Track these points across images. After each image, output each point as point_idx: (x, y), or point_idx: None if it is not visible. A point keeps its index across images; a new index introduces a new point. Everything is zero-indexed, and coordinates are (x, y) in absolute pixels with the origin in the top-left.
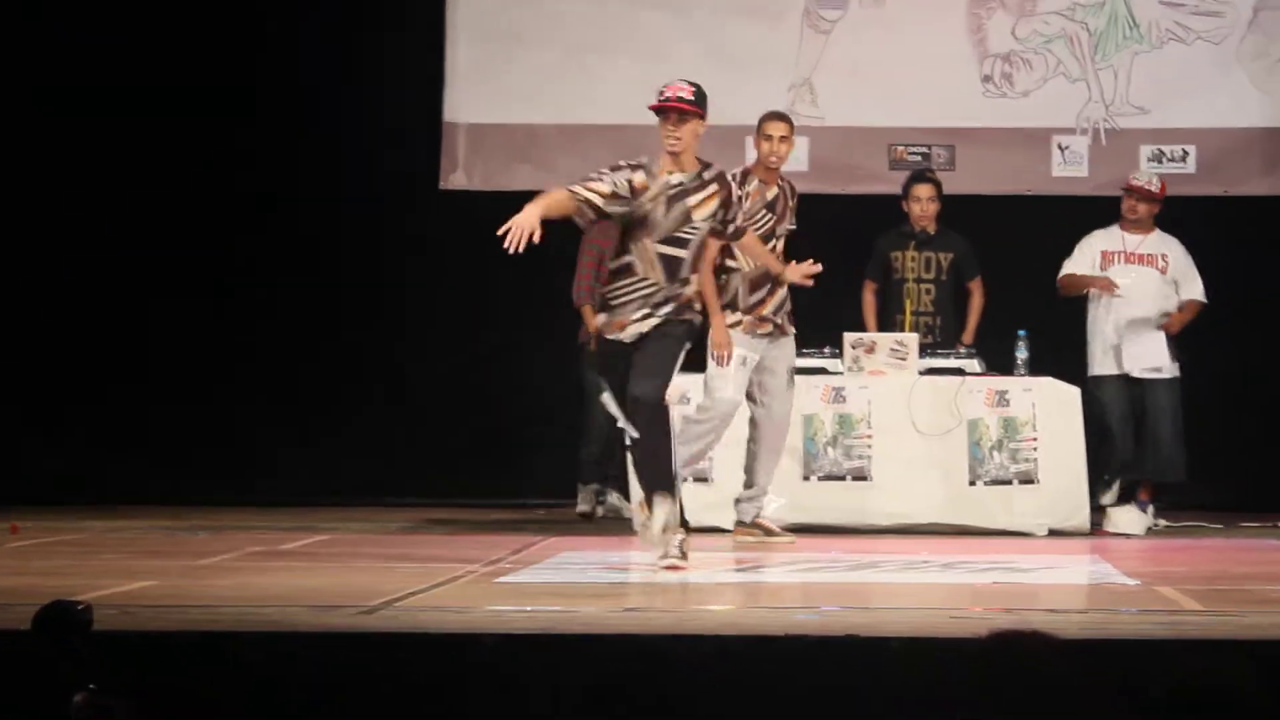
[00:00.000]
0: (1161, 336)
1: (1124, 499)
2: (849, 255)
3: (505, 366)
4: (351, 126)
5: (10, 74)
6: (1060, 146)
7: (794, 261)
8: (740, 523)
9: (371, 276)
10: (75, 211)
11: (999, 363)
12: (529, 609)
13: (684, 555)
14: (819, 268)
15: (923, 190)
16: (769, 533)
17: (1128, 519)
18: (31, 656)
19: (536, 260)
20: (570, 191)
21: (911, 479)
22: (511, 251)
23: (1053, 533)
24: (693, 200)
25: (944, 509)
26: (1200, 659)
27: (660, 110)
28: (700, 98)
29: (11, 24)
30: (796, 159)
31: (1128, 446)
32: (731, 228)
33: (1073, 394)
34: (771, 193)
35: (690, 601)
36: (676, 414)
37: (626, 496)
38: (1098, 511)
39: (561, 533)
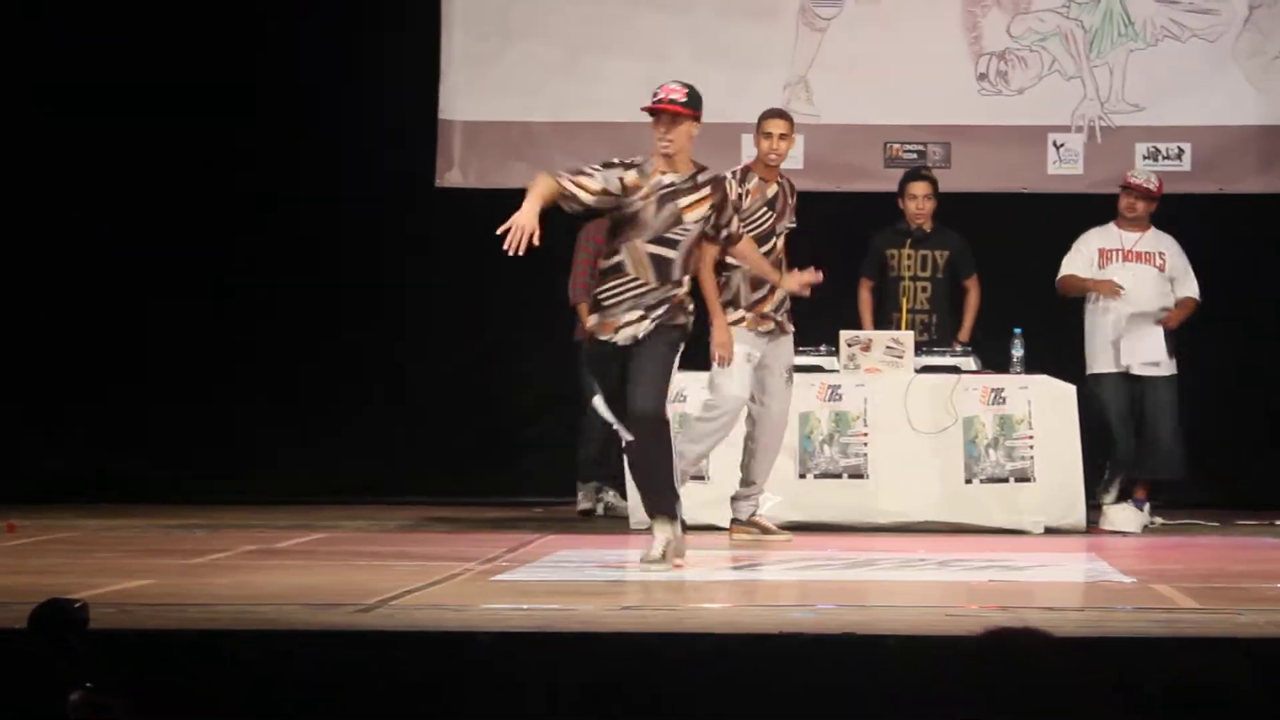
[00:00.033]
0: (1160, 332)
1: (1121, 497)
2: (844, 253)
3: (505, 366)
4: (351, 126)
5: (10, 74)
6: (1056, 144)
7: (795, 269)
8: (737, 520)
9: (371, 276)
10: (75, 211)
11: (995, 360)
12: (526, 607)
13: (662, 559)
14: (819, 277)
15: (919, 188)
16: (765, 531)
17: (1124, 517)
18: (28, 655)
19: (536, 259)
20: (559, 182)
21: (908, 477)
22: (512, 253)
23: (1049, 530)
24: (684, 201)
25: (940, 507)
26: (1196, 657)
27: (653, 112)
28: (694, 99)
29: (11, 24)
30: (792, 156)
31: (1128, 445)
32: (724, 233)
33: (1068, 391)
34: (771, 190)
35: (687, 599)
36: (673, 412)
37: (624, 495)
38: (1095, 509)
39: (558, 531)
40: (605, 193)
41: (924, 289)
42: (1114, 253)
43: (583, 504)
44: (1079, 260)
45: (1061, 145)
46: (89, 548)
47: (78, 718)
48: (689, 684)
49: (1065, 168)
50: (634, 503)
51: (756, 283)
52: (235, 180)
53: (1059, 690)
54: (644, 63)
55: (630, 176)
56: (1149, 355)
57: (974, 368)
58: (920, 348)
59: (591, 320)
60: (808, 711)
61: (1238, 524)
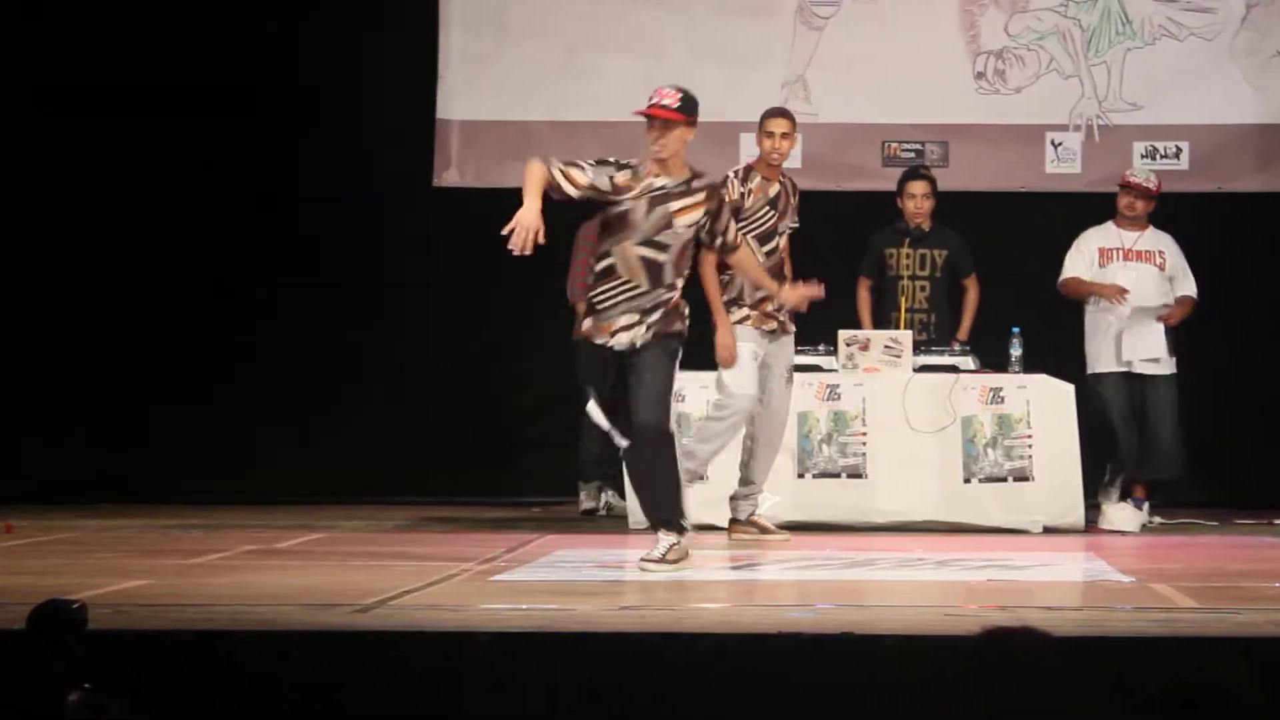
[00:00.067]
0: (1160, 329)
1: (1120, 496)
2: (843, 252)
3: (505, 365)
4: (351, 126)
5: (10, 74)
6: (1054, 143)
7: (801, 281)
8: (735, 520)
9: (371, 276)
10: (75, 211)
11: (993, 360)
12: (524, 607)
13: (662, 560)
14: (820, 292)
15: (917, 187)
16: (764, 530)
17: (1123, 516)
18: (26, 656)
19: (536, 259)
20: (549, 169)
21: (906, 476)
22: (519, 253)
23: (1047, 530)
24: (675, 205)
25: (939, 506)
26: (1195, 656)
27: (647, 116)
28: (687, 104)
29: (11, 24)
30: (790, 155)
31: (1130, 444)
32: (720, 240)
33: (1067, 391)
34: (774, 189)
35: (685, 599)
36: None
37: (623, 495)
38: (1094, 509)
39: (557, 531)
40: (592, 188)
41: (923, 288)
42: (1114, 252)
43: (585, 504)
44: (1080, 261)
45: (1059, 144)
46: (88, 548)
47: (76, 718)
48: (687, 684)
49: (1063, 166)
50: (633, 503)
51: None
52: (235, 180)
53: (1057, 690)
54: (642, 61)
55: (622, 176)
56: (1150, 352)
57: (972, 367)
58: (919, 347)
59: (586, 324)
60: (806, 711)
61: (1236, 523)
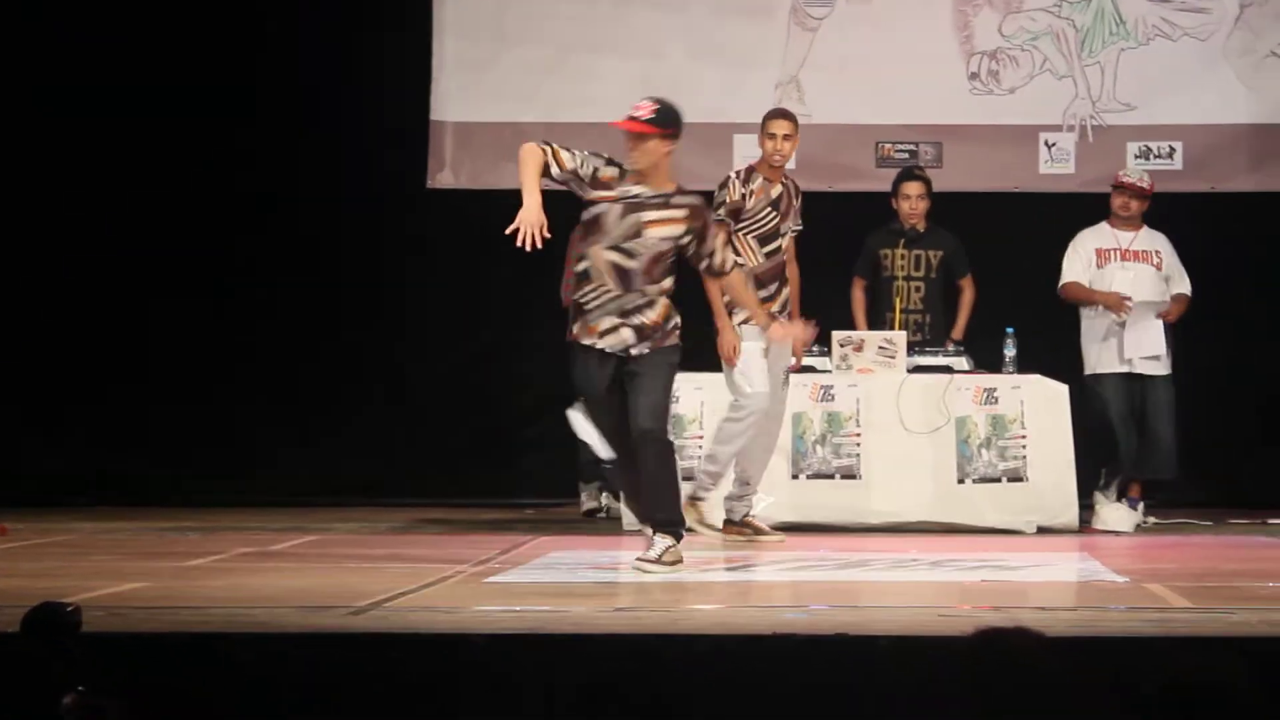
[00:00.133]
0: (1160, 325)
1: (1117, 496)
2: (837, 253)
3: (504, 366)
4: (351, 126)
5: (10, 74)
6: (1047, 143)
7: (801, 320)
8: (730, 521)
9: (371, 276)
10: (75, 211)
11: (987, 360)
12: (518, 609)
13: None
14: (812, 335)
15: (912, 188)
16: (758, 531)
17: (1117, 516)
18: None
19: (535, 260)
20: (541, 150)
21: (900, 477)
22: (528, 249)
23: (1041, 530)
24: (648, 216)
25: (933, 507)
26: (1189, 656)
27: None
28: (662, 117)
29: (11, 24)
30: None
31: (1129, 444)
32: (705, 263)
33: (1061, 391)
34: (775, 190)
35: (680, 601)
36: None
37: (618, 498)
38: (1088, 509)
39: (552, 532)
40: (574, 174)
41: (917, 289)
42: (1111, 252)
43: (586, 504)
44: (1078, 263)
45: (1053, 144)
46: (84, 551)
47: None
48: (682, 685)
49: (1057, 167)
50: (625, 505)
51: (761, 281)
52: (235, 180)
53: (1051, 690)
54: (636, 62)
55: (607, 171)
56: (1151, 349)
57: (966, 368)
58: (913, 347)
59: (576, 325)
60: (801, 712)
61: (1230, 523)
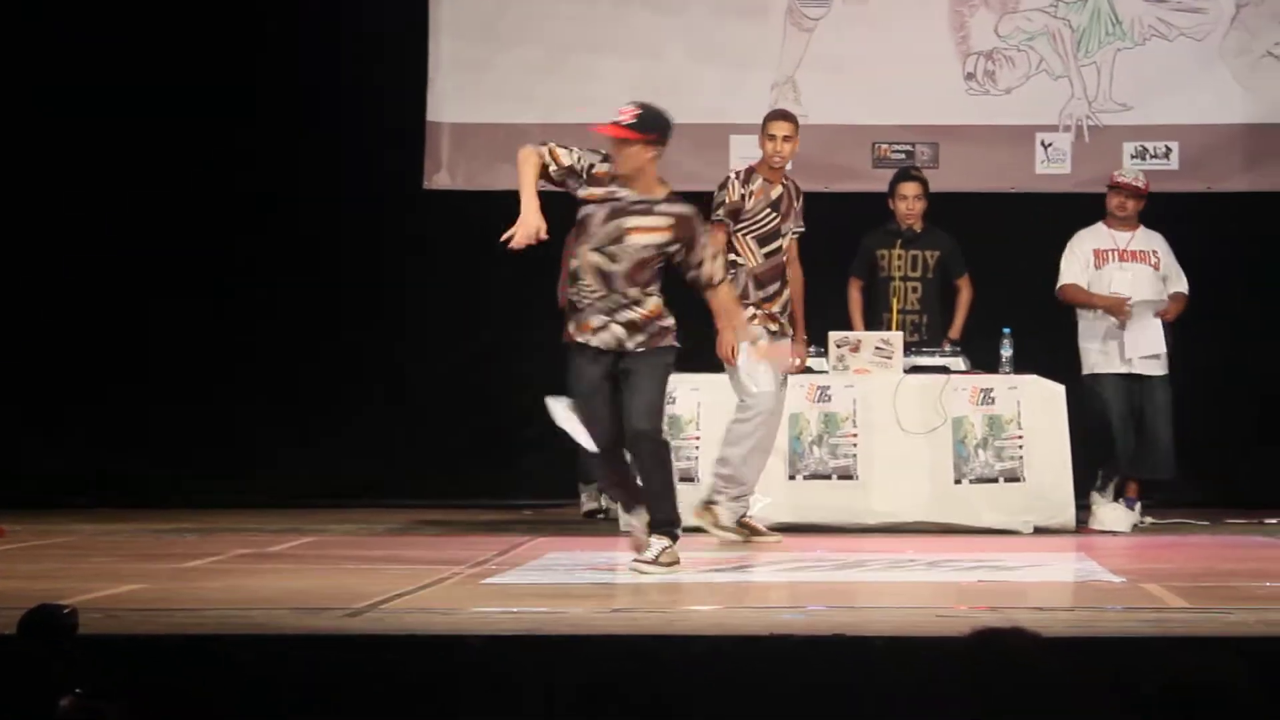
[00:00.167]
0: (1159, 324)
1: (1115, 496)
2: (833, 253)
3: (504, 366)
4: (351, 126)
5: (10, 74)
6: (1043, 144)
7: (790, 340)
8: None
9: (371, 276)
10: (75, 211)
11: (984, 360)
12: (515, 610)
13: (655, 562)
14: (800, 363)
15: (909, 188)
16: (755, 532)
17: (1114, 516)
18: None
19: (535, 260)
20: (538, 150)
21: (897, 478)
22: (521, 247)
23: (1038, 530)
24: (630, 222)
25: (929, 507)
26: (1186, 656)
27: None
28: (645, 123)
29: (11, 24)
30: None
31: (1128, 445)
32: (691, 274)
33: (1057, 391)
34: (775, 191)
35: (677, 602)
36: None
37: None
38: (1085, 509)
39: (549, 534)
40: (571, 169)
41: (914, 289)
42: (1109, 253)
43: (587, 505)
44: (1076, 264)
45: (1049, 145)
46: (82, 552)
47: None
48: (679, 686)
49: (1053, 167)
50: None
51: (761, 281)
52: (235, 180)
53: (1048, 691)
54: (633, 63)
55: (601, 168)
56: (1151, 348)
57: (963, 368)
58: (909, 348)
59: (571, 324)
60: (798, 713)
61: (1227, 523)
